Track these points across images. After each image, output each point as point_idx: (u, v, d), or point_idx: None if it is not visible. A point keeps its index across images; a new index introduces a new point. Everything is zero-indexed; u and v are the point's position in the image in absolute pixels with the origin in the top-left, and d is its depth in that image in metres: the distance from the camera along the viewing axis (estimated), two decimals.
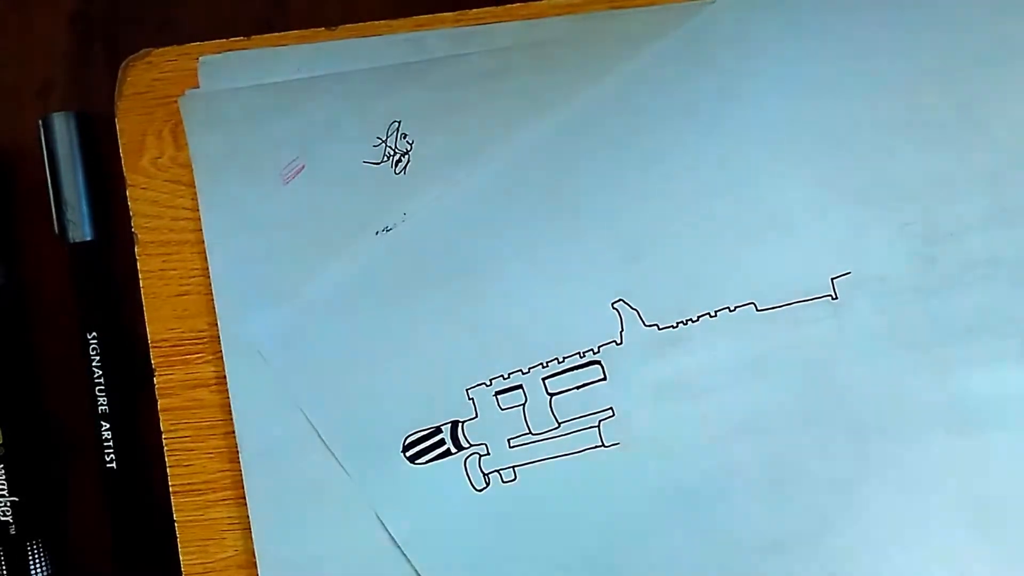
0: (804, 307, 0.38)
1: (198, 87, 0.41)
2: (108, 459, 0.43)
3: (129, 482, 0.43)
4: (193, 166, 0.41)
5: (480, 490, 0.39)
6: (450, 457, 0.39)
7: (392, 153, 0.41)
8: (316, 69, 0.41)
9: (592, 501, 0.38)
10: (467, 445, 0.39)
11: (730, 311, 0.38)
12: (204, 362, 0.41)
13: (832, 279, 0.38)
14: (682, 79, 0.40)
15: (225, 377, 0.40)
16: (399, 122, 0.41)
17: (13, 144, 0.45)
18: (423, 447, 0.39)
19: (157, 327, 0.41)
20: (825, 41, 0.39)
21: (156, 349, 0.41)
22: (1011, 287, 0.37)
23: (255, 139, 0.41)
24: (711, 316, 0.38)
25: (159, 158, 0.41)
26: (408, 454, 0.40)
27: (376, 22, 0.41)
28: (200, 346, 0.41)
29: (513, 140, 0.40)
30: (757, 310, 0.38)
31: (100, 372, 0.43)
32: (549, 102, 0.40)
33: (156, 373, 0.41)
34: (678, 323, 0.39)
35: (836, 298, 0.38)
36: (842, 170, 0.38)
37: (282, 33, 0.42)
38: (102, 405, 0.43)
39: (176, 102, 0.41)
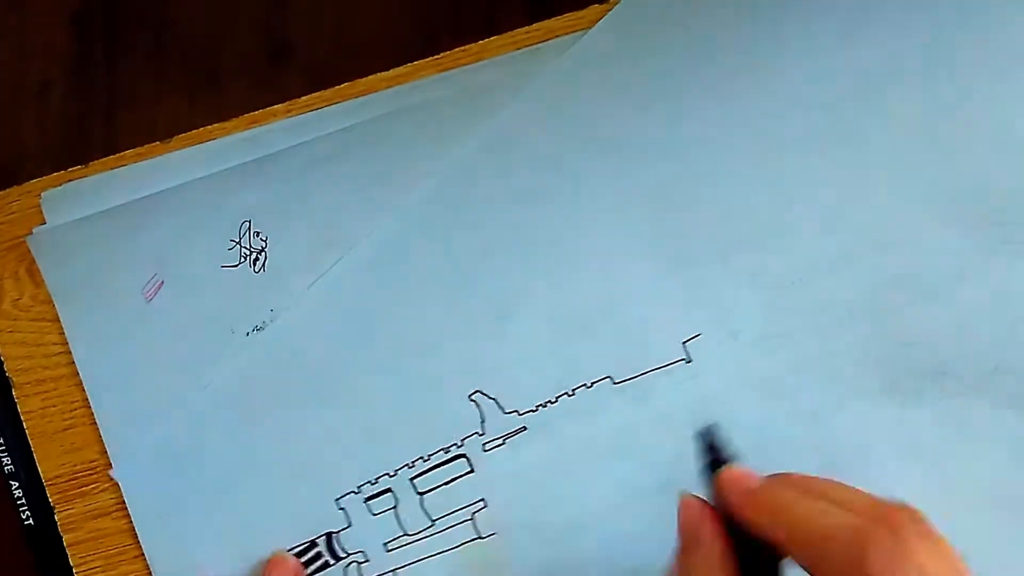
0: (660, 374, 0.38)
1: (45, 223, 0.42)
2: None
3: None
4: (54, 301, 0.41)
5: None
6: (329, 568, 0.40)
7: (248, 253, 0.41)
8: (158, 184, 0.41)
9: None
10: (344, 555, 0.40)
11: (587, 387, 0.39)
12: (101, 491, 0.41)
13: (683, 343, 0.38)
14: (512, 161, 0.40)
15: (124, 503, 0.41)
16: (249, 221, 0.41)
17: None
18: (302, 561, 0.40)
19: (48, 465, 0.41)
20: (647, 108, 0.39)
21: (52, 487, 0.41)
22: (864, 324, 0.37)
23: (110, 264, 0.41)
24: (569, 395, 0.39)
25: (19, 299, 0.42)
26: None
27: (210, 127, 0.42)
28: (94, 476, 0.41)
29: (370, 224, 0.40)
30: (614, 383, 0.38)
31: None
32: (398, 178, 0.41)
33: (56, 510, 0.41)
34: (537, 406, 0.39)
35: (690, 361, 0.38)
36: (679, 233, 0.38)
37: (119, 154, 0.42)
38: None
39: (25, 242, 0.41)
